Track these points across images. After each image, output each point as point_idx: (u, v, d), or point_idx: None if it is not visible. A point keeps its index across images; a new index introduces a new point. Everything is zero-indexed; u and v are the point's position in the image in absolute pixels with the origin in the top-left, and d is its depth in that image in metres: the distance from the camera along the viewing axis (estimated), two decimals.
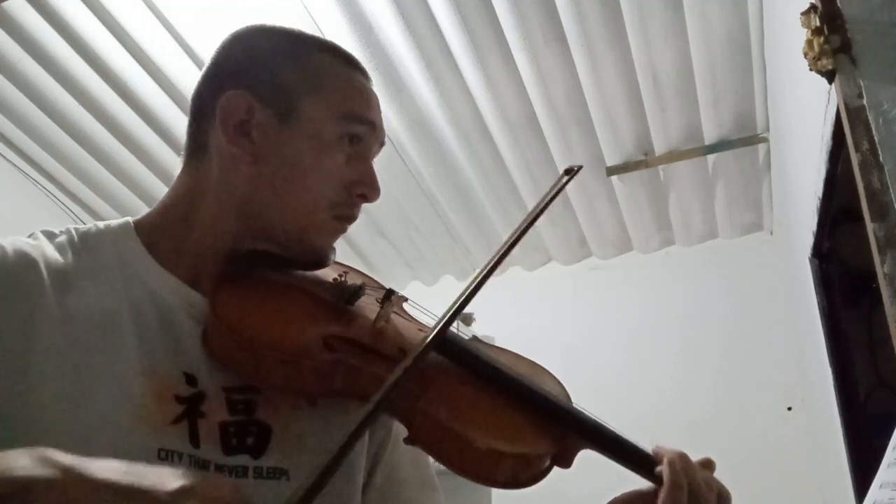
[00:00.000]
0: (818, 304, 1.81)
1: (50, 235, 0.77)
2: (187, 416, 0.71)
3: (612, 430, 0.78)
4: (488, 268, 0.74)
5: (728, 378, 2.89)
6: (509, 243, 0.78)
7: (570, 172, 0.89)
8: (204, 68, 0.84)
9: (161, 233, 0.80)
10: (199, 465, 0.69)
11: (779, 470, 2.65)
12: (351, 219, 0.83)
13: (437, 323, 0.70)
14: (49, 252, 0.74)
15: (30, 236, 0.77)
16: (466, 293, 0.72)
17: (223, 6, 2.23)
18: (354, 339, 0.76)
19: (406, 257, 3.32)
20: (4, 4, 2.27)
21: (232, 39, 0.85)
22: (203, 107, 0.81)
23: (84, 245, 0.77)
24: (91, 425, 0.66)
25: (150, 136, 2.72)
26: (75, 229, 0.79)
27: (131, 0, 2.27)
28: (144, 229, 0.80)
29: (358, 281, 0.84)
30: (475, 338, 0.89)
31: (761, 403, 2.82)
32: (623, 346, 3.07)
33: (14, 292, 0.69)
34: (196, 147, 0.82)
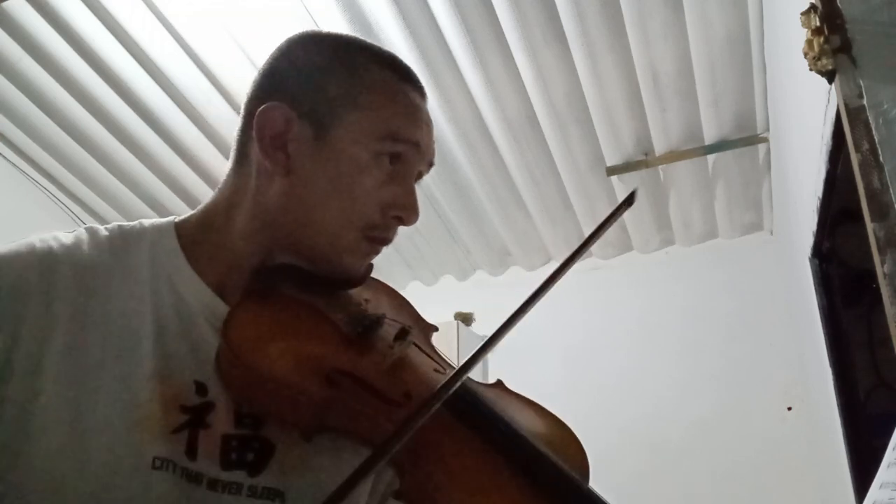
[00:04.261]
0: (818, 304, 1.81)
1: (93, 232, 0.77)
2: (189, 426, 0.70)
3: None
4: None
5: (728, 378, 2.89)
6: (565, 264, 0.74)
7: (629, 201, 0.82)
8: (256, 75, 0.82)
9: (198, 236, 0.79)
10: (190, 477, 0.68)
11: (779, 470, 2.65)
12: (385, 241, 0.80)
13: (445, 383, 0.64)
14: (81, 251, 0.75)
15: (71, 232, 0.77)
16: (487, 342, 0.69)
17: (223, 6, 2.23)
18: (359, 376, 0.71)
19: (406, 257, 3.32)
20: (4, 4, 2.27)
21: (284, 46, 0.81)
22: (248, 114, 0.79)
23: (124, 243, 0.77)
24: (90, 429, 0.66)
25: (150, 135, 2.72)
26: (120, 226, 0.79)
27: (131, 0, 2.27)
28: (185, 231, 0.80)
29: (381, 310, 0.81)
30: (499, 382, 0.83)
31: (761, 403, 2.82)
32: (623, 346, 3.07)
33: (32, 294, 0.70)
34: (240, 154, 0.80)
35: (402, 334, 0.77)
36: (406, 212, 0.78)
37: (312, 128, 0.76)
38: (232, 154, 0.81)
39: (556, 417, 0.81)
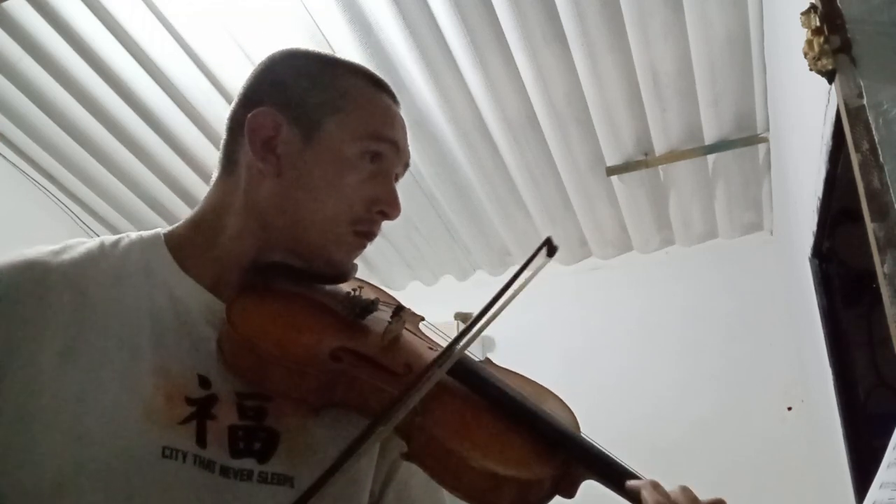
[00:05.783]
0: (818, 304, 1.81)
1: (81, 243, 0.82)
2: (196, 417, 0.72)
3: (619, 462, 0.75)
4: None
5: (728, 378, 2.89)
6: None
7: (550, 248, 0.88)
8: (240, 89, 0.88)
9: (189, 242, 0.83)
10: (203, 464, 0.71)
11: (779, 470, 2.65)
12: (371, 235, 0.86)
13: (445, 348, 0.71)
14: (72, 259, 0.78)
15: (62, 245, 0.81)
16: (480, 319, 0.76)
17: (223, 6, 2.23)
18: (361, 352, 0.77)
19: (406, 257, 3.32)
20: (4, 4, 2.27)
21: (267, 62, 0.88)
22: (236, 124, 0.85)
23: (113, 252, 0.81)
24: (95, 423, 0.68)
25: (150, 135, 2.72)
26: (106, 238, 0.83)
27: (131, 0, 2.27)
28: (173, 239, 0.84)
29: (372, 296, 0.86)
30: (487, 360, 0.89)
31: (761, 403, 2.82)
32: (623, 346, 3.07)
33: (26, 298, 0.73)
34: (228, 162, 0.85)
35: (398, 311, 0.83)
36: (389, 206, 0.84)
37: (300, 131, 0.82)
38: (218, 163, 0.86)
39: (537, 383, 0.88)
